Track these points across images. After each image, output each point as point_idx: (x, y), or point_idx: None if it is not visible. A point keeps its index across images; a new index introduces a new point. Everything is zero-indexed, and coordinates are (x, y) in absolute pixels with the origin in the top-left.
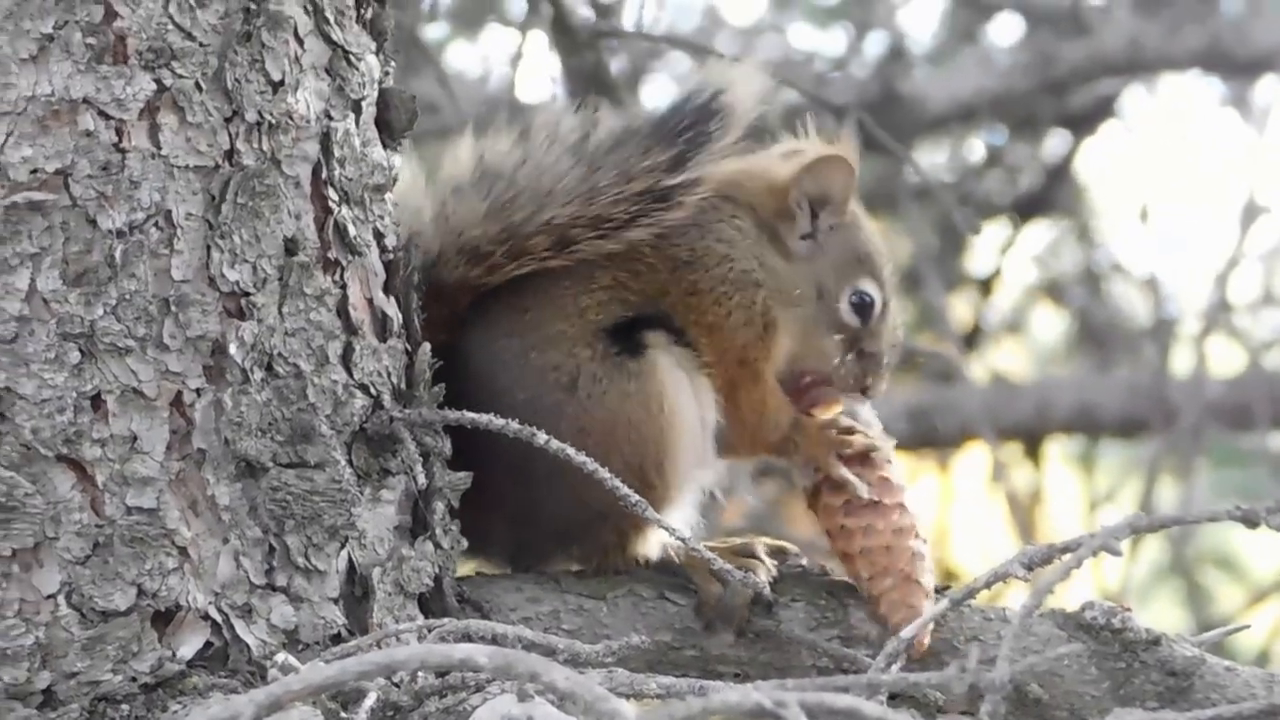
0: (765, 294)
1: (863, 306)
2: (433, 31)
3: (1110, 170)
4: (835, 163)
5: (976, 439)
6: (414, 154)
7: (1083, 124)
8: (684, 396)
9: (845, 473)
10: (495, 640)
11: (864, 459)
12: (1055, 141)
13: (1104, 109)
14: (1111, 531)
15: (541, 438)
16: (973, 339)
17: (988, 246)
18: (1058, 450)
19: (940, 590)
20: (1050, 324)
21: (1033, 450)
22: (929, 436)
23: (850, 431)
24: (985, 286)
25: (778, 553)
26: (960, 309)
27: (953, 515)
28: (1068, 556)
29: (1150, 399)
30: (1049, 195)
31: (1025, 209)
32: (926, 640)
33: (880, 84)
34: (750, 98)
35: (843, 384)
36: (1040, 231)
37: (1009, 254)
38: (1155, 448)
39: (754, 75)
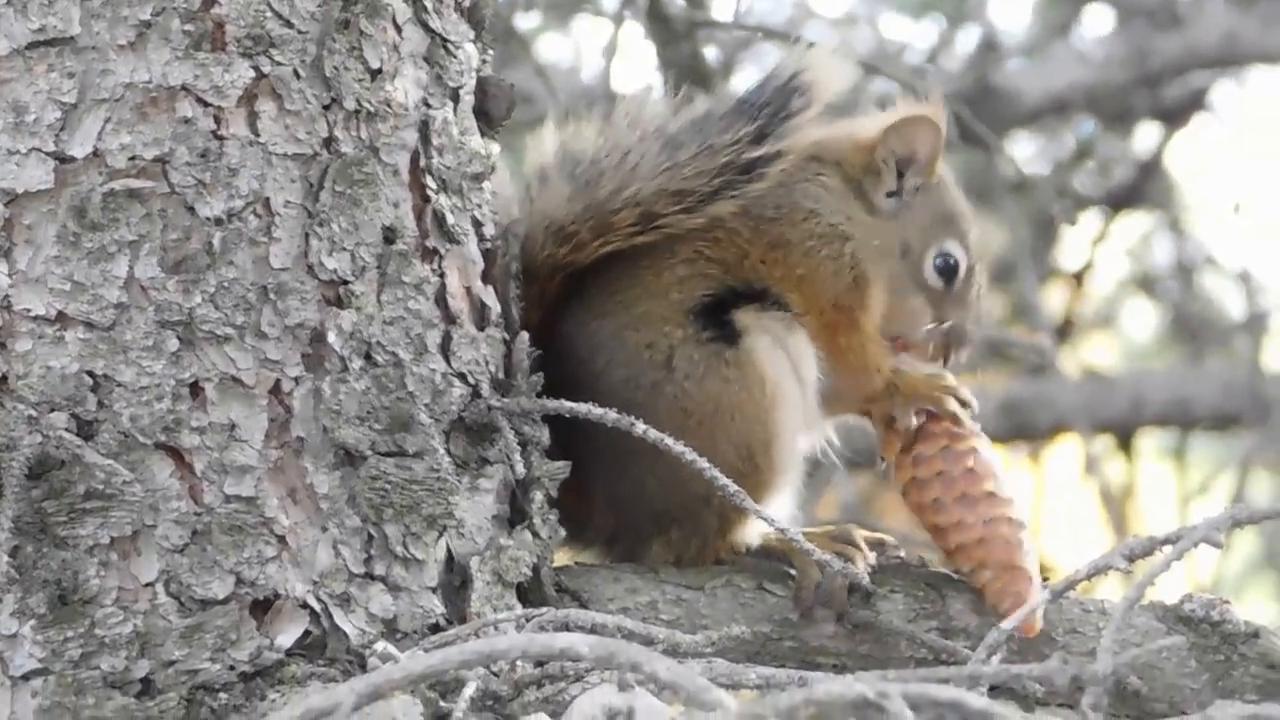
0: (853, 246)
1: (947, 269)
2: (525, 22)
3: (1202, 163)
4: (922, 122)
5: (1070, 432)
6: (501, 146)
7: (1175, 117)
8: (785, 374)
9: (956, 406)
10: (595, 630)
11: (949, 450)
12: (1147, 134)
13: (1196, 102)
14: (1213, 523)
15: (640, 427)
16: (1065, 332)
17: (1080, 239)
18: (1150, 444)
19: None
20: (1143, 317)
21: (1126, 444)
22: (1022, 429)
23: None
24: (1078, 279)
25: (876, 545)
26: (1053, 302)
27: (1045, 508)
28: (1169, 549)
29: (1244, 393)
30: (1141, 188)
31: (1117, 202)
32: (1038, 625)
33: (974, 77)
34: (831, 76)
35: (926, 350)
36: (1132, 224)
37: (1101, 247)
38: (1249, 442)
39: (834, 56)
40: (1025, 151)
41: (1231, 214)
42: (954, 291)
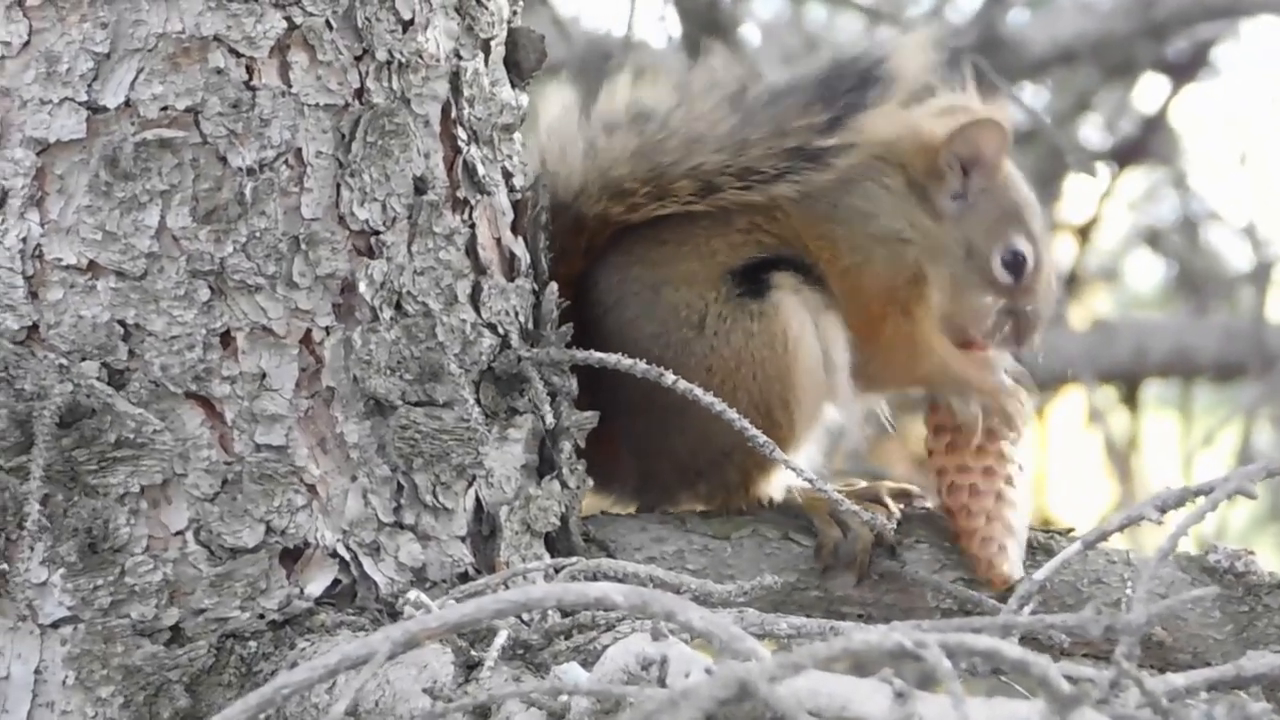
0: (915, 251)
1: (1015, 264)
2: None
3: (1207, 117)
4: (988, 125)
5: (1074, 383)
6: (571, 89)
7: (1180, 71)
8: (807, 335)
9: (1013, 408)
10: (625, 579)
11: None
12: (1152, 87)
13: (1201, 56)
14: (1246, 474)
15: (670, 378)
16: (1070, 285)
17: (1084, 193)
18: (1154, 396)
19: (1065, 534)
20: (1147, 271)
21: (1130, 394)
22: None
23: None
24: (1082, 233)
25: (901, 495)
26: (1058, 255)
27: (1049, 459)
28: (1202, 499)
29: (1248, 343)
30: (1145, 142)
31: (1122, 156)
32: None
33: (981, 26)
34: (914, 69)
35: (997, 343)
36: (1137, 179)
37: (1106, 201)
38: (1253, 393)
39: (920, 46)
40: (1033, 103)
41: (1237, 167)
42: (1023, 284)
